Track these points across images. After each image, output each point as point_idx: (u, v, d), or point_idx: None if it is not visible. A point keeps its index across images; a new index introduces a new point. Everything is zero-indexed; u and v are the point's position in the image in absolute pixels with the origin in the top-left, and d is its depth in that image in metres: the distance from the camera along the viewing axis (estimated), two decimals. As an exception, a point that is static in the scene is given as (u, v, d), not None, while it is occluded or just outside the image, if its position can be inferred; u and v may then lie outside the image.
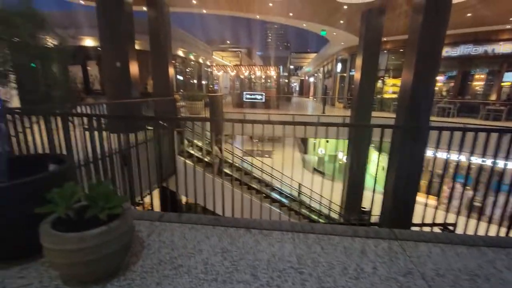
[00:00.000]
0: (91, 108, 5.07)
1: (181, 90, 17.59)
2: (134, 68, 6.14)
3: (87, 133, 3.66)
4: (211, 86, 27.40)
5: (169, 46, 9.64)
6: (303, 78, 40.17)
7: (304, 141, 23.90)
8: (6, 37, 1.44)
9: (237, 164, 10.32)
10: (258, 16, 11.78)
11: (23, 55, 1.51)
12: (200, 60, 23.10)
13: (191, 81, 22.27)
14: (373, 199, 3.49)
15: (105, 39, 5.49)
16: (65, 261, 1.42)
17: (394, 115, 11.53)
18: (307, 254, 1.88)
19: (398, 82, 15.62)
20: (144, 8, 9.16)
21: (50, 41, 1.84)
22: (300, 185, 11.35)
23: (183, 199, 11.65)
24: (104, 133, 3.78)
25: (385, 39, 11.96)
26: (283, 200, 10.12)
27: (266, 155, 20.00)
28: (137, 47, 6.80)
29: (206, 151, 8.57)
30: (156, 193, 8.68)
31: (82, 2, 9.71)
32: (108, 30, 5.38)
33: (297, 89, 42.45)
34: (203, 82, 24.68)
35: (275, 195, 10.10)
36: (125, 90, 5.74)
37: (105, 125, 4.39)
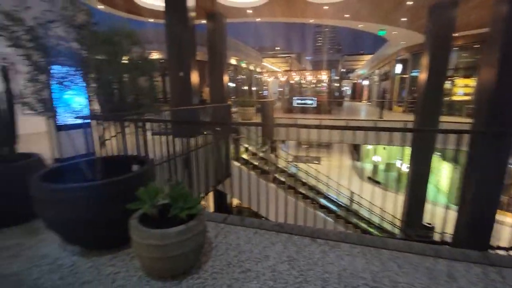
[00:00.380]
0: (158, 115, 5.54)
1: (233, 97, 18.30)
2: (194, 78, 6.60)
3: (154, 136, 4.02)
4: (261, 92, 27.88)
5: (225, 56, 10.13)
6: (355, 81, 38.26)
7: (357, 148, 22.58)
8: (110, 55, 1.67)
9: (286, 169, 10.23)
10: (311, 20, 11.62)
11: (121, 68, 1.74)
12: (251, 67, 23.76)
13: (242, 88, 23.02)
14: (449, 217, 3.07)
15: (171, 52, 6.05)
16: (150, 255, 1.54)
17: (466, 120, 10.11)
18: (382, 271, 1.72)
19: (471, 82, 13.74)
20: (203, 21, 9.83)
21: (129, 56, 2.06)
22: (352, 193, 10.74)
23: (234, 202, 11.98)
24: (169, 137, 4.12)
25: (456, 34, 10.66)
26: (334, 208, 9.66)
27: (315, 161, 19.45)
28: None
29: (259, 157, 8.69)
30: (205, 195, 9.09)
31: (152, 20, 10.89)
32: (174, 44, 5.93)
33: (349, 92, 40.56)
34: (253, 88, 25.27)
35: (324, 202, 9.70)
36: (187, 98, 6.21)
37: (170, 130, 4.77)
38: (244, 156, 8.03)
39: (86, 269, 1.77)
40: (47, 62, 1.62)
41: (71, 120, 3.88)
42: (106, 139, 2.72)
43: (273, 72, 26.31)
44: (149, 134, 3.56)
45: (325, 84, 19.78)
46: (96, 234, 1.89)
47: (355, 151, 23.19)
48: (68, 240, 1.95)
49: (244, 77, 23.03)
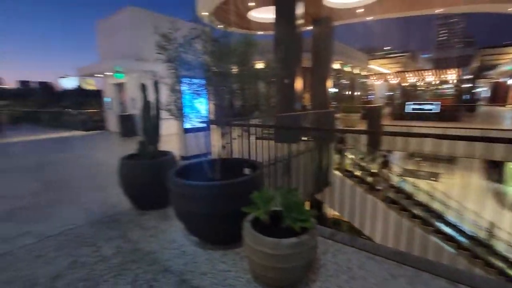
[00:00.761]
0: (262, 121, 5.81)
1: (333, 102, 17.53)
2: (298, 84, 6.65)
3: (257, 140, 4.20)
4: (365, 97, 25.70)
5: (330, 61, 9.81)
6: (497, 79, 29.89)
7: (497, 166, 17.43)
8: (235, 64, 1.82)
9: (395, 184, 8.88)
10: (438, 10, 9.76)
11: (243, 77, 1.87)
12: (355, 71, 22.23)
13: (343, 93, 21.81)
14: None
15: (279, 61, 6.26)
16: (260, 261, 1.53)
17: None
18: None
19: None
20: (309, 28, 9.84)
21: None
22: (491, 224, 8.27)
23: (330, 213, 11.34)
24: (272, 143, 4.23)
25: None
26: (459, 237, 7.66)
27: (433, 178, 16.24)
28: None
29: (362, 168, 7.91)
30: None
31: (260, 33, 11.77)
32: (282, 52, 6.13)
33: (486, 94, 32.07)
34: (357, 93, 23.54)
35: (446, 229, 7.83)
36: (290, 104, 6.30)
37: (272, 135, 4.91)
38: (348, 166, 7.47)
39: (203, 260, 1.93)
40: (186, 75, 1.90)
41: (194, 124, 4.51)
42: (227, 143, 2.98)
43: (381, 75, 23.79)
44: (252, 138, 3.73)
45: (450, 85, 16.41)
46: (212, 229, 2.06)
47: (493, 169, 18.01)
48: (190, 230, 2.20)
49: (347, 81, 21.77)
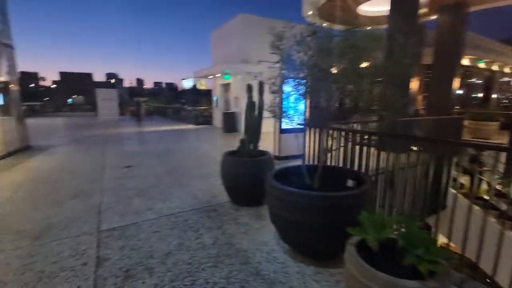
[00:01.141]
0: (361, 125, 5.22)
1: (456, 107, 14.27)
2: (414, 85, 5.66)
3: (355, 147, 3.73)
4: (507, 101, 19.90)
5: (458, 56, 7.94)
6: None
7: None
8: (352, 61, 1.61)
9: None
10: None
11: (357, 76, 1.64)
12: (493, 67, 17.42)
13: (474, 95, 17.48)
14: None
15: (392, 58, 5.46)
16: (364, 296, 1.28)
17: None
18: None
19: None
20: (432, 17, 8.24)
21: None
22: None
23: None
24: (372, 150, 3.69)
25: None
26: None
27: None
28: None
29: (500, 194, 6.05)
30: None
31: (369, 28, 10.70)
32: (396, 48, 5.30)
33: None
34: (494, 95, 18.45)
35: None
36: (402, 108, 5.40)
37: (372, 141, 4.29)
38: (481, 192, 5.89)
39: (294, 273, 1.81)
40: (292, 76, 1.82)
41: (291, 125, 4.43)
42: (334, 149, 2.78)
43: (538, 72, 17.81)
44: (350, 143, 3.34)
45: None
46: (305, 240, 1.90)
47: None
48: (282, 236, 2.11)
49: (480, 80, 17.38)
